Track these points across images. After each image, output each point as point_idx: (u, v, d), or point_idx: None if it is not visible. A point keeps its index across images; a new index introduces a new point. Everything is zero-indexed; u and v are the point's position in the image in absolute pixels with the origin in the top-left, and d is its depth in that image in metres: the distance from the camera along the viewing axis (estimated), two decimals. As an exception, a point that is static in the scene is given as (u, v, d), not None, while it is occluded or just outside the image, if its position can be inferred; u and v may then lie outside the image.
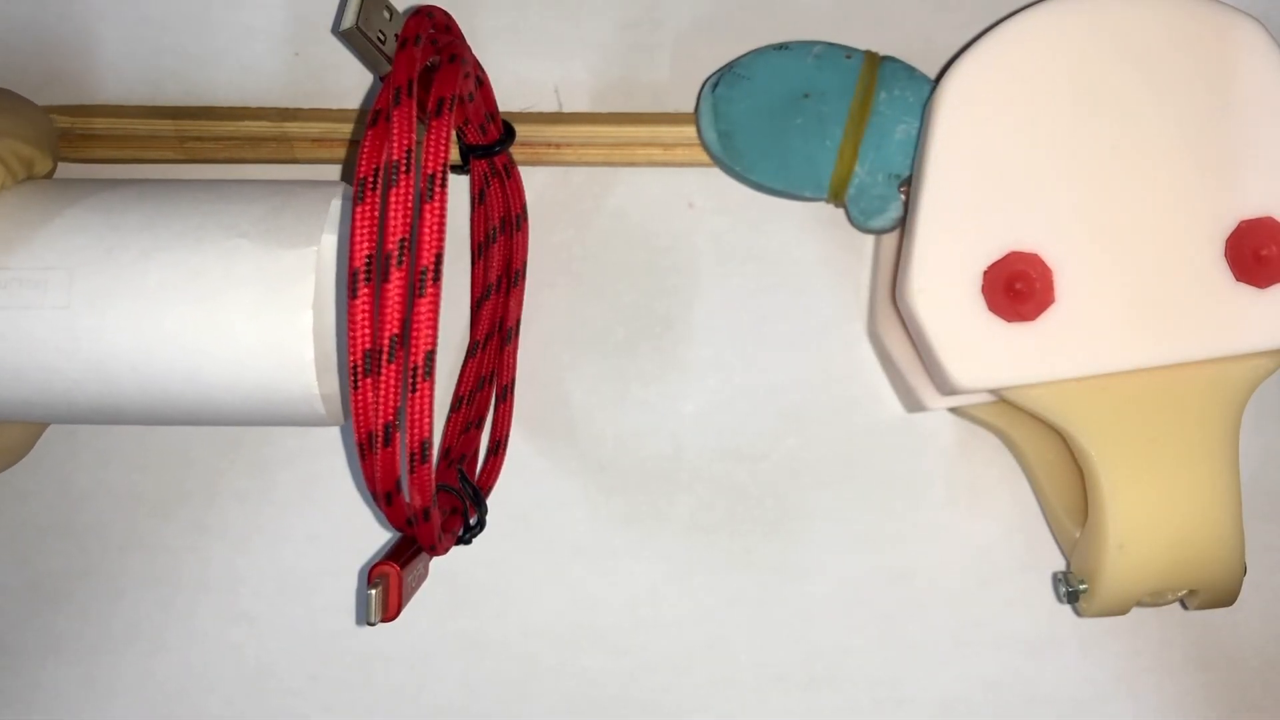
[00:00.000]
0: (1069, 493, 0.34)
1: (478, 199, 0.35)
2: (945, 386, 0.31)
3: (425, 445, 0.25)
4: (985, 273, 0.30)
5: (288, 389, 0.29)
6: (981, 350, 0.30)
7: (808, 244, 0.37)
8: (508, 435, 0.35)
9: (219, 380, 0.29)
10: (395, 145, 0.25)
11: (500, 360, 0.35)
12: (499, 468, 0.35)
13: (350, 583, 0.37)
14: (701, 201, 0.37)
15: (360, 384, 0.24)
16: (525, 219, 0.36)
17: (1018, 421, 0.34)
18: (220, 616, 0.37)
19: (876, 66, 0.33)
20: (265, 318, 0.29)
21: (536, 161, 0.36)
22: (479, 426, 0.35)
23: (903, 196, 0.33)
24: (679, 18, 0.37)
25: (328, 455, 0.37)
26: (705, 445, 0.37)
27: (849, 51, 0.33)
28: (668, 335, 0.37)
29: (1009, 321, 0.30)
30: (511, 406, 0.36)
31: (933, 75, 0.33)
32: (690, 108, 0.36)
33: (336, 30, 0.36)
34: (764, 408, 0.37)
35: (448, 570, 0.36)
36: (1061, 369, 0.30)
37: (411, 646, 0.37)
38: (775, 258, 0.37)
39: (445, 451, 0.34)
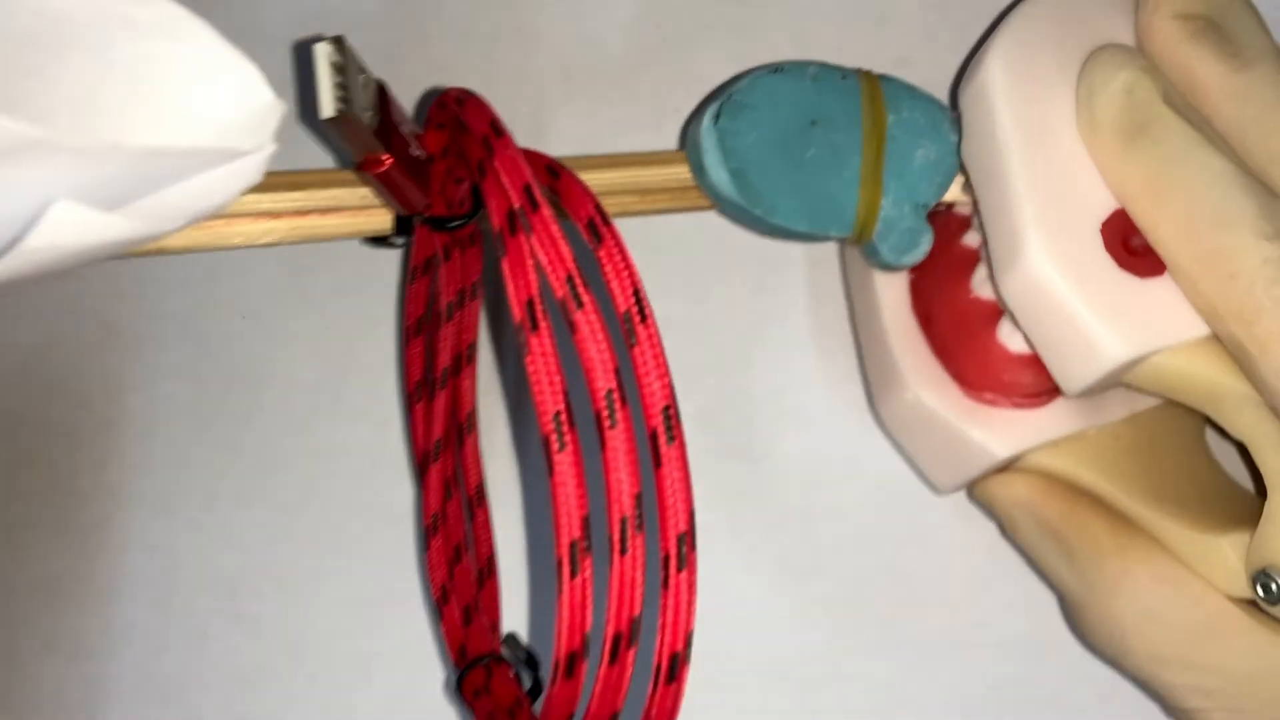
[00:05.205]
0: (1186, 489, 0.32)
1: (424, 270, 0.32)
2: (1092, 367, 0.28)
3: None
4: (1101, 231, 0.28)
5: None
6: (1130, 310, 0.28)
7: (808, 244, 0.37)
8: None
9: None
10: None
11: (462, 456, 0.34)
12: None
13: (350, 582, 0.37)
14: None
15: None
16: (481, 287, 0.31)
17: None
18: (220, 616, 0.37)
19: (876, 88, 0.31)
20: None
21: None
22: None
23: (931, 228, 0.31)
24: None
25: (327, 455, 0.37)
26: (705, 445, 0.37)
27: (844, 72, 0.31)
28: (668, 335, 0.37)
29: (1143, 278, 0.28)
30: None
31: (933, 75, 0.33)
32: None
33: (314, 118, 0.28)
34: (764, 408, 0.37)
35: (447, 570, 0.36)
36: None
37: (411, 646, 0.37)
38: (775, 258, 0.37)
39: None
